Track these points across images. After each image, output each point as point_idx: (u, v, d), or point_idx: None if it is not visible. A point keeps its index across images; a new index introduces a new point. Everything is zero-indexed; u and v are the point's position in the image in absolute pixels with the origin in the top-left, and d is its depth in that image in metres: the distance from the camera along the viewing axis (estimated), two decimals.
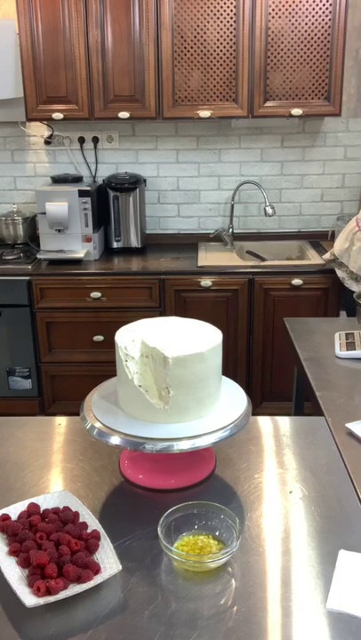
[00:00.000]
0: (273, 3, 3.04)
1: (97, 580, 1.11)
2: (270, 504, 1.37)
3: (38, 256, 3.34)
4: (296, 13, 3.06)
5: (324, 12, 3.06)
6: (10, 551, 1.18)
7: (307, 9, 3.05)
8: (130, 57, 3.15)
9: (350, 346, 2.13)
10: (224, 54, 3.12)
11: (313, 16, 3.06)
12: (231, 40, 3.10)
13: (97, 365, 3.29)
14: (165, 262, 3.36)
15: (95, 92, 3.20)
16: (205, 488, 1.42)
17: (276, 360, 3.31)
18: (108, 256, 3.49)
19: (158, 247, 3.64)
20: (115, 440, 1.32)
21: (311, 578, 1.15)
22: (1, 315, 3.24)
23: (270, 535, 1.27)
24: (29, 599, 1.07)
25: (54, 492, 1.36)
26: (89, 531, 1.22)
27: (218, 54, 3.12)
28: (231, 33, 3.09)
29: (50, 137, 3.63)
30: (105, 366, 3.20)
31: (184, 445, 1.30)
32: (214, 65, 3.14)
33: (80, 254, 3.31)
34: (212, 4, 3.04)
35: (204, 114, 3.21)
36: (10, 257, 3.36)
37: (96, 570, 1.12)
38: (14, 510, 1.29)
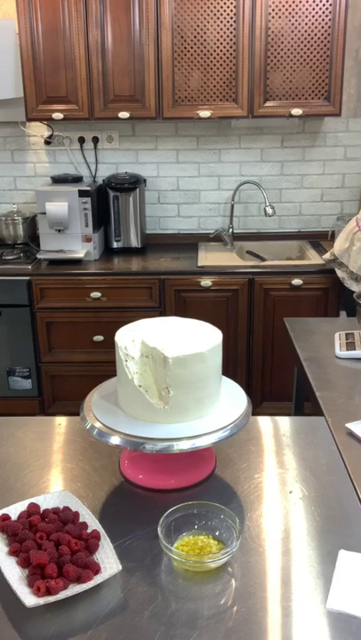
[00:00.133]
0: (273, 3, 3.04)
1: (97, 580, 1.11)
2: (270, 504, 1.37)
3: (38, 256, 3.34)
4: (296, 13, 3.06)
5: (324, 12, 3.06)
6: (10, 551, 1.18)
7: (307, 9, 3.05)
8: (130, 57, 3.15)
9: (350, 346, 2.13)
10: (224, 54, 3.12)
11: (313, 16, 3.06)
12: (231, 40, 3.10)
13: (97, 365, 3.29)
14: (165, 262, 3.36)
15: (95, 91, 3.20)
16: (205, 488, 1.42)
17: (276, 360, 3.31)
18: (108, 256, 3.49)
19: (158, 247, 3.63)
20: (115, 440, 1.32)
21: (311, 578, 1.15)
22: (1, 315, 3.24)
23: (270, 535, 1.27)
24: (29, 599, 1.07)
25: (54, 492, 1.36)
26: (89, 531, 1.22)
27: (218, 54, 3.12)
28: (231, 33, 3.09)
29: (50, 137, 3.63)
30: (105, 366, 3.20)
31: (184, 445, 1.30)
32: (214, 65, 3.14)
33: (80, 254, 3.31)
34: (212, 4, 3.05)
35: (204, 114, 3.21)
36: (10, 257, 3.36)
37: (96, 570, 1.12)
38: (14, 510, 1.29)
